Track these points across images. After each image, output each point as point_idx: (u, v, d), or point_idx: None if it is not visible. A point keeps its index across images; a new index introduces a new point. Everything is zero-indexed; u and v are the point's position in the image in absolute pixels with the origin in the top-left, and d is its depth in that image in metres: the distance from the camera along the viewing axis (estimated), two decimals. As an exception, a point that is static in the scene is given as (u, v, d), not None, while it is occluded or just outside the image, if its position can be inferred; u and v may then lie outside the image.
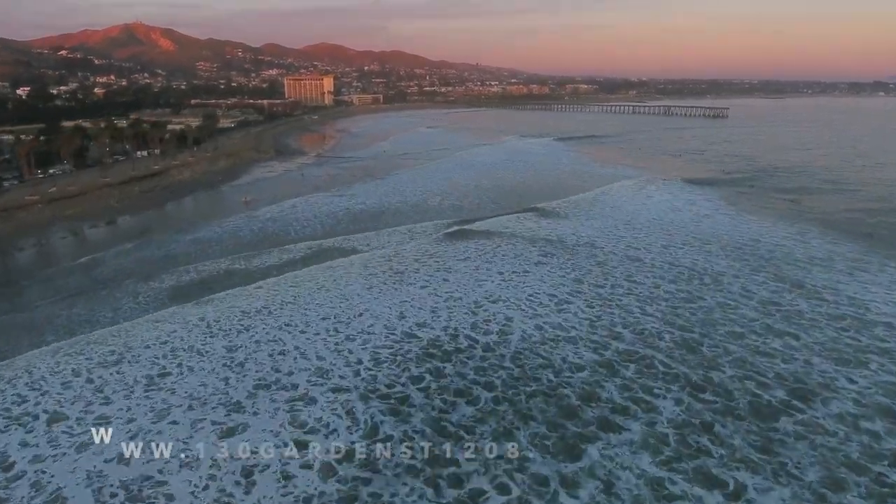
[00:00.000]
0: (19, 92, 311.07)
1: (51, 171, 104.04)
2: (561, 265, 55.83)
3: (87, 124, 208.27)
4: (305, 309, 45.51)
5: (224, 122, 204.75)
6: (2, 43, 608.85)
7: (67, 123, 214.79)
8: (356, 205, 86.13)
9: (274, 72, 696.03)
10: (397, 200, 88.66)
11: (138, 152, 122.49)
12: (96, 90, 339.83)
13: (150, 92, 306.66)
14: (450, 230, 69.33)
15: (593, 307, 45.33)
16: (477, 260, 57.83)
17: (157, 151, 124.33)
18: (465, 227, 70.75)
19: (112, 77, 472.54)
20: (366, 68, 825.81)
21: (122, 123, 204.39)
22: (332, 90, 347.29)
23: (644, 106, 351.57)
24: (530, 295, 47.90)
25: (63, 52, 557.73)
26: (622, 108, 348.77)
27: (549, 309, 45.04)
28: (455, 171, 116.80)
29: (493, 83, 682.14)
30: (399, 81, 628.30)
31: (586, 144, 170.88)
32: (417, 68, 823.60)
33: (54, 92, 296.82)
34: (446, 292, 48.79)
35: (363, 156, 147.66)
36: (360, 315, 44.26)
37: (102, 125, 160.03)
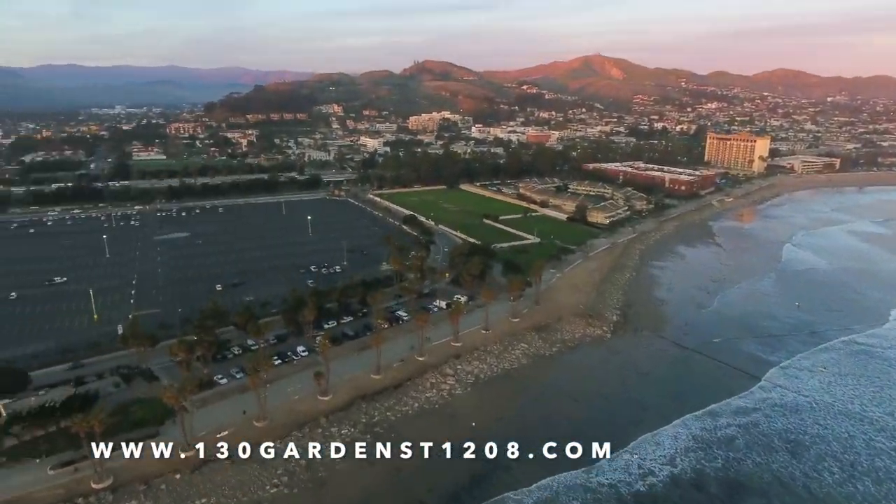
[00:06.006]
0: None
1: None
2: None
3: (475, 189, 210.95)
4: None
5: (599, 217, 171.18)
6: (476, 75, 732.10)
7: (465, 187, 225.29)
8: None
9: (713, 105, 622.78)
10: None
11: (440, 301, 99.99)
12: (530, 131, 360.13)
13: (548, 153, 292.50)
14: None
15: None
16: None
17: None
18: None
19: (538, 113, 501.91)
20: (829, 99, 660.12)
21: (504, 195, 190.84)
22: (765, 155, 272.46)
23: None
24: None
25: (524, 87, 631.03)
26: None
27: None
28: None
29: None
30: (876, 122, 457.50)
31: None
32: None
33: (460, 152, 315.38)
34: None
35: (729, 352, 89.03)
36: None
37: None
